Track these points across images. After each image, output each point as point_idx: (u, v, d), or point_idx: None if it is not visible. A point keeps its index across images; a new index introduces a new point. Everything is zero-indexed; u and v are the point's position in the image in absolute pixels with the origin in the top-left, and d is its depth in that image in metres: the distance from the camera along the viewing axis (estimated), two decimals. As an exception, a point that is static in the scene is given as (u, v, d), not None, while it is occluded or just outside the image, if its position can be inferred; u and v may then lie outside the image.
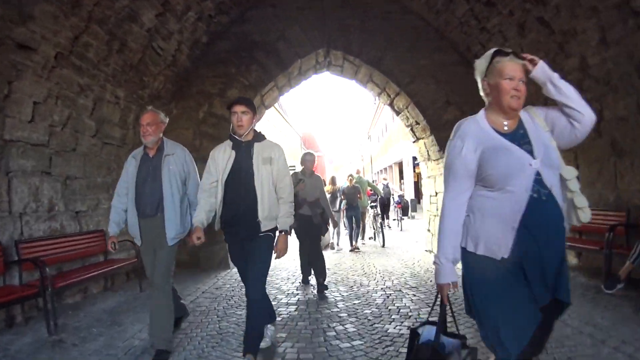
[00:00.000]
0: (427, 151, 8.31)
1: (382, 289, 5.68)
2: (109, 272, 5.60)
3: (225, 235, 3.49)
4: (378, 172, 36.65)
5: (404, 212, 15.71)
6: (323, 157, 57.84)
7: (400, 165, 24.67)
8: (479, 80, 2.16)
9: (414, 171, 22.83)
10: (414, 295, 5.20)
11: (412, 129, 8.60)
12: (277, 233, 3.31)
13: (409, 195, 19.99)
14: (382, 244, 10.39)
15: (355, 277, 6.56)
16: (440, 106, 7.77)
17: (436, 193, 8.19)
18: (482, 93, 2.18)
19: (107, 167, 6.42)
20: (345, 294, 5.52)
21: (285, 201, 3.32)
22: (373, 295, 5.36)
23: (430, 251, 8.55)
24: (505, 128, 2.08)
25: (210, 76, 7.92)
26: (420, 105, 7.77)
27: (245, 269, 3.39)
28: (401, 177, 25.55)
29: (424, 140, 8.31)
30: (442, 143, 7.72)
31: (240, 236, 3.31)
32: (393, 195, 15.68)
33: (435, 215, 8.27)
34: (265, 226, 3.22)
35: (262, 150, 3.31)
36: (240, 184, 3.23)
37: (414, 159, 21.37)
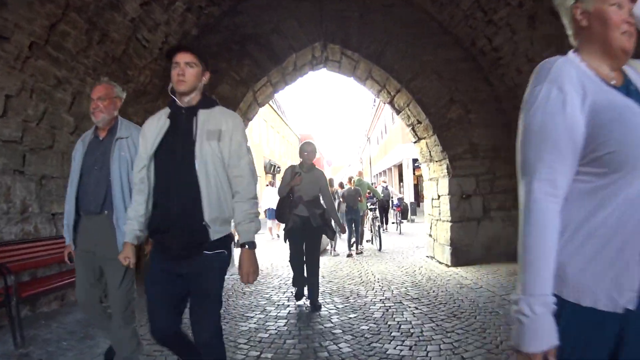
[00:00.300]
0: (429, 152, 7.92)
1: (381, 300, 5.26)
2: (86, 279, 5.14)
3: (151, 252, 2.37)
4: (377, 175, 36.28)
5: (403, 215, 15.34)
6: (322, 158, 57.44)
7: (399, 167, 24.29)
8: (564, 8, 1.36)
9: (414, 174, 22.49)
10: (416, 309, 4.78)
11: (413, 129, 8.21)
12: (240, 247, 2.25)
13: (409, 198, 19.61)
14: (379, 247, 10.07)
15: (352, 287, 6.15)
16: (443, 104, 7.39)
17: (439, 196, 7.79)
18: (569, 31, 1.39)
19: (88, 167, 6.01)
20: (340, 306, 5.10)
21: (243, 198, 2.23)
22: (371, 307, 4.93)
23: (432, 257, 8.15)
24: (613, 81, 1.27)
25: (202, 72, 7.53)
26: (422, 103, 7.38)
27: (175, 307, 2.30)
28: (400, 180, 25.15)
29: (425, 141, 7.92)
30: (445, 143, 7.34)
31: (172, 252, 2.20)
32: (392, 198, 15.30)
33: (437, 220, 7.87)
34: (215, 233, 2.16)
35: (208, 120, 2.22)
36: (174, 169, 2.19)
37: (414, 161, 21.00)
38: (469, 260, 7.29)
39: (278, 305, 5.23)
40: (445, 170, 7.41)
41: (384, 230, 14.29)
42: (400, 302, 5.09)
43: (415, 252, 9.52)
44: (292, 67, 8.02)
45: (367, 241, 11.12)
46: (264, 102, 8.78)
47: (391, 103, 8.36)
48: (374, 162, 39.65)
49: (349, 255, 9.22)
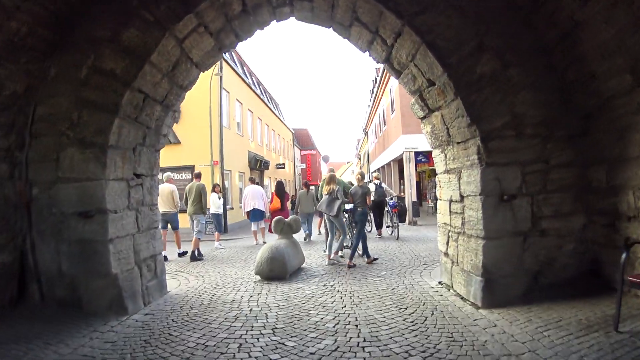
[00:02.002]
0: (447, 129, 5.19)
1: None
2: None
3: None
4: (376, 171, 33.57)
5: (401, 217, 12.61)
6: (318, 156, 54.73)
7: (400, 162, 21.55)
8: None
9: (416, 169, 19.77)
10: None
11: (420, 96, 5.49)
12: None
13: (410, 197, 16.90)
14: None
15: (313, 346, 3.45)
16: (469, 52, 4.69)
17: (462, 197, 5.08)
18: None
19: None
20: None
21: None
22: None
23: (449, 287, 5.46)
24: None
25: (102, 14, 4.90)
26: (436, 48, 4.66)
27: None
28: (401, 177, 22.43)
29: (440, 113, 5.19)
30: (474, 111, 4.64)
31: None
32: (393, 197, 12.61)
33: (459, 233, 5.17)
34: None
35: None
36: None
37: (417, 155, 18.26)
38: (510, 297, 4.66)
39: None
40: (475, 156, 4.69)
41: (379, 236, 12.06)
42: None
43: (421, 272, 6.80)
44: (240, 5, 5.31)
45: (345, 247, 9.00)
46: (206, 63, 6.04)
47: (388, 61, 5.63)
48: (372, 158, 36.93)
49: (350, 266, 7.38)
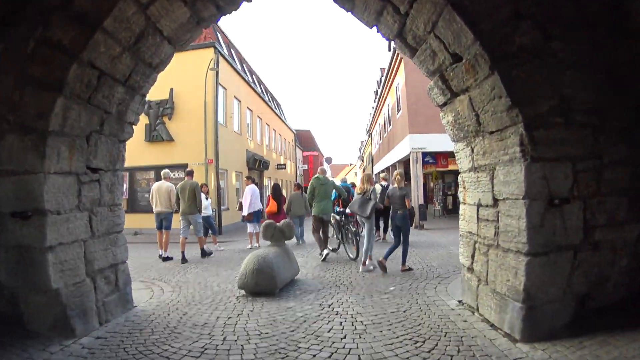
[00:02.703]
0: (475, 116, 4.15)
1: None
2: None
3: None
4: (380, 173, 32.52)
5: (412, 219, 11.64)
6: (320, 157, 53.74)
7: (405, 163, 20.52)
8: None
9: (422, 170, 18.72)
10: None
11: (441, 77, 4.45)
12: None
13: (417, 199, 15.86)
14: (355, 255, 8.20)
15: None
16: (504, 18, 3.65)
17: (495, 201, 4.04)
18: None
19: None
20: None
21: None
22: None
23: (474, 310, 4.44)
24: None
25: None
26: (464, 10, 3.63)
27: None
28: (406, 178, 21.39)
29: (468, 95, 4.15)
30: (516, 90, 3.61)
31: None
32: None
33: (490, 246, 4.13)
34: None
35: None
36: None
37: (424, 155, 17.22)
38: (555, 327, 3.67)
39: None
40: (516, 148, 3.66)
41: (382, 239, 11.18)
42: None
43: (435, 286, 5.77)
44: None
45: (332, 250, 8.97)
46: (181, 39, 5.00)
47: (401, 36, 4.60)
48: (376, 160, 35.88)
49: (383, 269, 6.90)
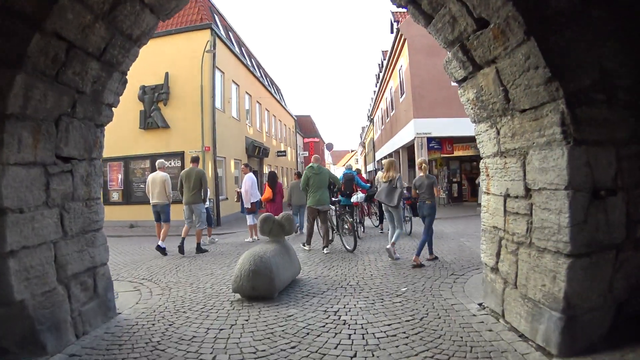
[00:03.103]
0: (504, 91, 3.55)
1: None
2: None
3: None
4: (388, 156, 31.93)
5: (414, 210, 10.96)
6: (321, 143, 53.09)
7: (409, 150, 19.92)
8: None
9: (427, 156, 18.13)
10: None
11: (462, 47, 3.85)
12: None
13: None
14: (352, 247, 8.01)
15: None
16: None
17: (527, 191, 3.47)
18: None
19: None
20: None
21: None
22: None
23: (498, 316, 3.93)
24: None
25: None
26: (497, -38, 3.04)
27: None
28: (411, 165, 20.80)
29: (495, 67, 3.55)
30: (555, 61, 3.03)
31: None
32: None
33: (521, 244, 3.58)
34: None
35: None
36: None
37: (429, 140, 16.63)
38: (593, 339, 3.18)
39: None
40: (556, 129, 3.08)
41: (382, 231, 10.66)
42: None
43: (451, 285, 5.26)
44: None
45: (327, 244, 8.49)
46: (165, 7, 4.36)
47: (414, 2, 4.00)
48: (378, 146, 35.26)
49: (416, 266, 6.44)
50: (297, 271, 5.74)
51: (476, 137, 4.40)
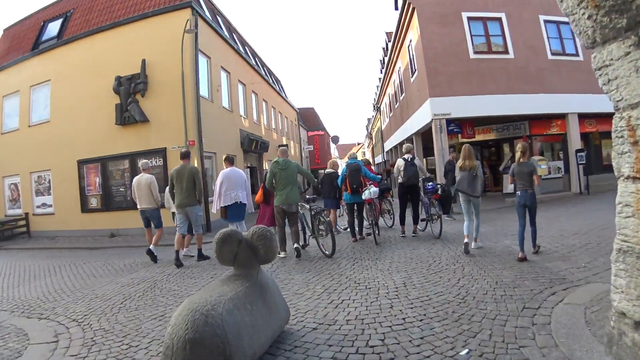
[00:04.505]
0: None
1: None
2: None
3: None
4: (391, 151, 29.78)
5: (445, 206, 8.82)
6: (326, 136, 50.88)
7: (424, 135, 17.72)
8: None
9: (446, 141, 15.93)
10: None
11: None
12: None
13: (439, 179, 13.17)
14: (331, 252, 7.09)
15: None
16: None
17: None
18: None
19: None
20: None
21: None
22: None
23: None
24: None
25: None
26: None
27: None
28: (427, 153, 18.59)
29: None
30: None
31: None
32: (422, 176, 8.91)
33: None
34: None
35: None
36: None
37: (449, 123, 14.43)
38: None
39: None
40: None
41: (413, 234, 8.61)
42: None
43: (534, 334, 3.19)
44: None
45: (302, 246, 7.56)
46: None
47: None
48: (386, 136, 33.04)
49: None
50: (282, 322, 3.54)
51: (597, 72, 2.29)
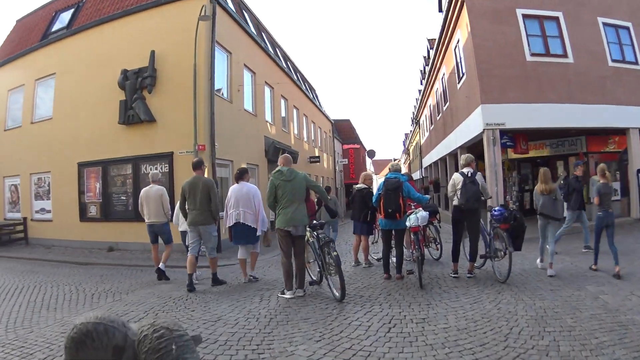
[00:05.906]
0: None
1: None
2: None
3: None
4: (430, 167, 27.48)
5: (516, 240, 6.52)
6: (362, 150, 48.88)
7: (471, 148, 15.47)
8: None
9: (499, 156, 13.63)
10: None
11: None
12: None
13: (497, 199, 10.94)
14: (340, 295, 5.51)
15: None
16: None
17: None
18: None
19: None
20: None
21: None
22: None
23: None
24: None
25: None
26: None
27: None
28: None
29: None
30: None
31: None
32: (485, 198, 6.88)
33: None
34: None
35: None
36: None
37: (502, 134, 12.18)
38: None
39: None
40: None
41: (468, 275, 6.73)
42: None
43: None
44: None
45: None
46: None
47: None
48: (426, 151, 30.74)
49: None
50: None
51: None
